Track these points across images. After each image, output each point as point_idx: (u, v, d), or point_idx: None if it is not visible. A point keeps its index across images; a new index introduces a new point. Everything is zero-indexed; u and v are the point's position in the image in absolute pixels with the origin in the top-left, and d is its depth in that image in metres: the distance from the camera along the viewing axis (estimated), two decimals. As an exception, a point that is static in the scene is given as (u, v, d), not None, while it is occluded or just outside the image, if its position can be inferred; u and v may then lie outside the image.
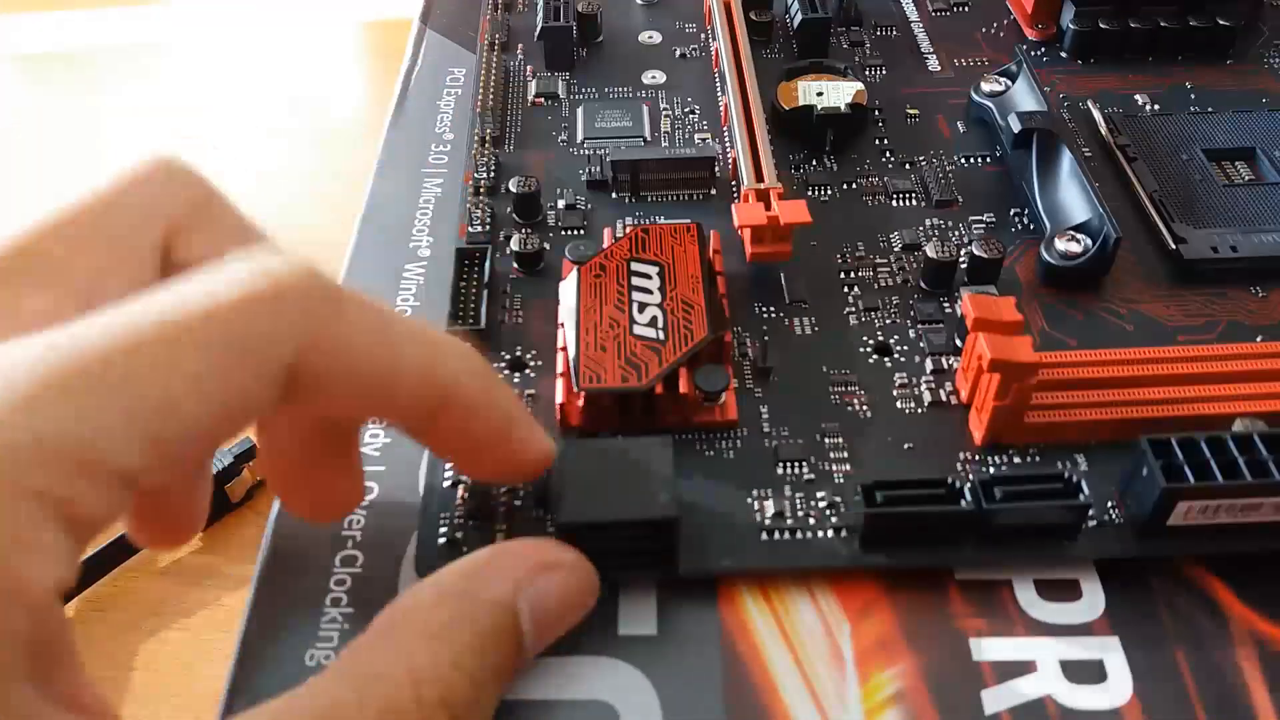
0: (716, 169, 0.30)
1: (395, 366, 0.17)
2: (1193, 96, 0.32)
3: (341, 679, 0.16)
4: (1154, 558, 0.21)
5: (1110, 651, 0.20)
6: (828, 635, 0.20)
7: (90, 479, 0.13)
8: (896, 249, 0.27)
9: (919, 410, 0.24)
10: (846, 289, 0.26)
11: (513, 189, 0.28)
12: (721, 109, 0.31)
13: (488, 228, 0.28)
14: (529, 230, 0.28)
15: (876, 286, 0.26)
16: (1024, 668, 0.20)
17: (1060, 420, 0.22)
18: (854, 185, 0.29)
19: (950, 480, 0.20)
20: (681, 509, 0.20)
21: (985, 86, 0.31)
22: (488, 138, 0.30)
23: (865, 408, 0.24)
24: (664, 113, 0.32)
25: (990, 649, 0.20)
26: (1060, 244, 0.26)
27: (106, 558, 0.38)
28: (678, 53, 0.35)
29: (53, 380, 0.13)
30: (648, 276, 0.24)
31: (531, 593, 0.18)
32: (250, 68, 0.63)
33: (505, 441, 0.19)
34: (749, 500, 0.22)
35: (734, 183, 0.29)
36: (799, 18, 0.34)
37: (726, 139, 0.31)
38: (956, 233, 0.28)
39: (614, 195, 0.29)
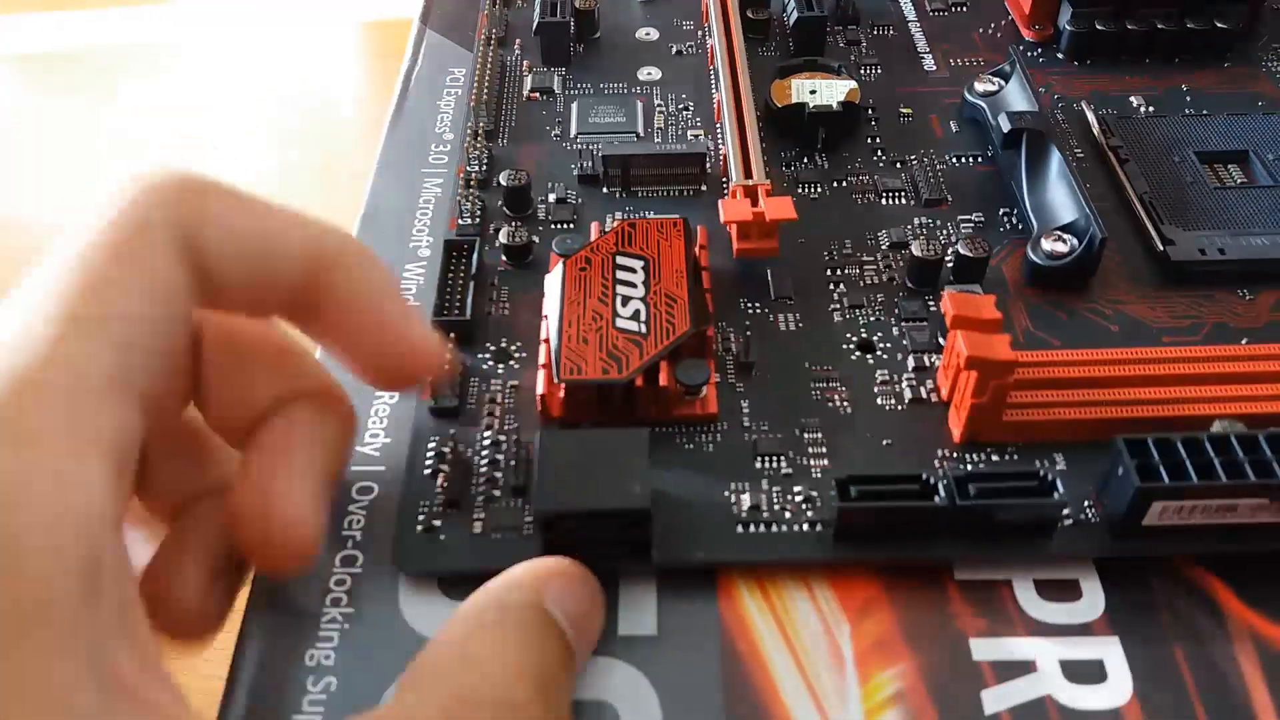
0: (707, 165, 0.30)
1: (278, 238, 0.18)
2: (1188, 99, 0.32)
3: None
4: (1129, 557, 0.21)
5: (1110, 651, 0.20)
6: (828, 635, 0.20)
7: (119, 397, 0.16)
8: (884, 247, 0.27)
9: (899, 407, 0.24)
10: (832, 286, 0.27)
11: (503, 182, 0.28)
12: (715, 106, 0.32)
13: (478, 220, 0.28)
14: (518, 223, 0.28)
15: (863, 284, 0.27)
16: (1024, 668, 0.20)
17: (1038, 419, 0.22)
18: (844, 183, 0.29)
19: (925, 476, 0.21)
20: (658, 501, 0.20)
21: (978, 86, 0.31)
22: (481, 131, 0.31)
23: (846, 404, 0.24)
24: (658, 109, 0.32)
25: (990, 649, 0.20)
26: (1046, 244, 0.26)
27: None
28: (674, 49, 0.35)
29: (51, 333, 0.16)
30: (632, 270, 0.25)
31: (553, 594, 0.19)
32: (250, 68, 0.63)
33: (390, 326, 0.20)
34: (726, 493, 0.22)
35: (724, 179, 0.29)
36: (795, 16, 0.34)
37: (719, 135, 0.31)
38: (944, 231, 0.28)
39: (605, 190, 0.29)
